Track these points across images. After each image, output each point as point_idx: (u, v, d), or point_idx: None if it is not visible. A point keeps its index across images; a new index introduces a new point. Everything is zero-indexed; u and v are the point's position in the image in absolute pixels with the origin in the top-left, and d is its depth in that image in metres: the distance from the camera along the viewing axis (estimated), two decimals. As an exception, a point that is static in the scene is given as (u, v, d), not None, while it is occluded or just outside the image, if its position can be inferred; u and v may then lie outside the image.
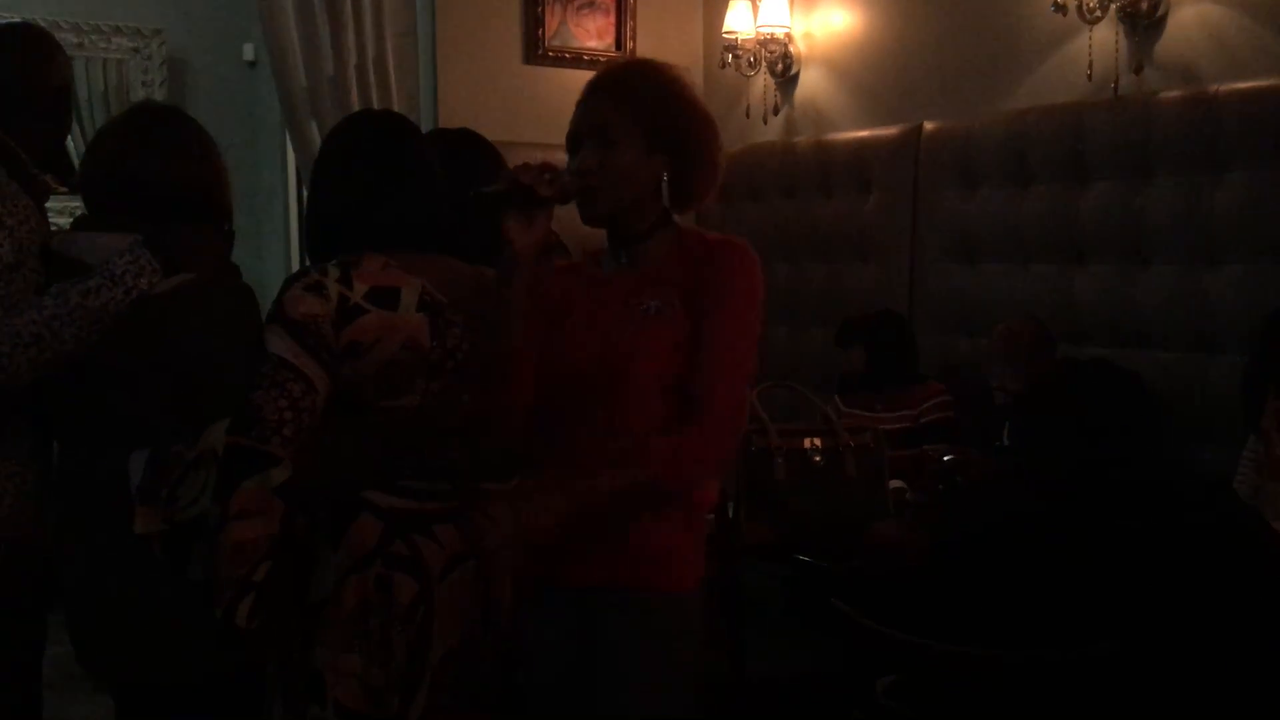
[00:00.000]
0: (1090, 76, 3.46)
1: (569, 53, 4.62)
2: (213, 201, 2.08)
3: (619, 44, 4.69)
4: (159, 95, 5.07)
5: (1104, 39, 3.43)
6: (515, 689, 1.96)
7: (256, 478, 1.70)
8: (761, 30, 4.48)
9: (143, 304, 1.90)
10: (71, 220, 2.13)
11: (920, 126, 3.97)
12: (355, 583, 1.81)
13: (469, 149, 2.47)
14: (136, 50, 5.17)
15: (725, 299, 1.77)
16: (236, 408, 1.73)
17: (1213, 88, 3.15)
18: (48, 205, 2.15)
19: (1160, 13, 3.34)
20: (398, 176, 1.92)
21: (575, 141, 1.81)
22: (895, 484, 3.03)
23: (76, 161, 2.17)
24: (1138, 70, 3.38)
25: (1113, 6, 3.38)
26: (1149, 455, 1.95)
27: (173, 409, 1.87)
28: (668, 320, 1.76)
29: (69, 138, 2.32)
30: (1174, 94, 3.25)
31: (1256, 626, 1.79)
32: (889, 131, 4.10)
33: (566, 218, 1.87)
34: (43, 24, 2.54)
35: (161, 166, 2.01)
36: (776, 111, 4.64)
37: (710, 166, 1.83)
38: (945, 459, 2.97)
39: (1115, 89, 3.42)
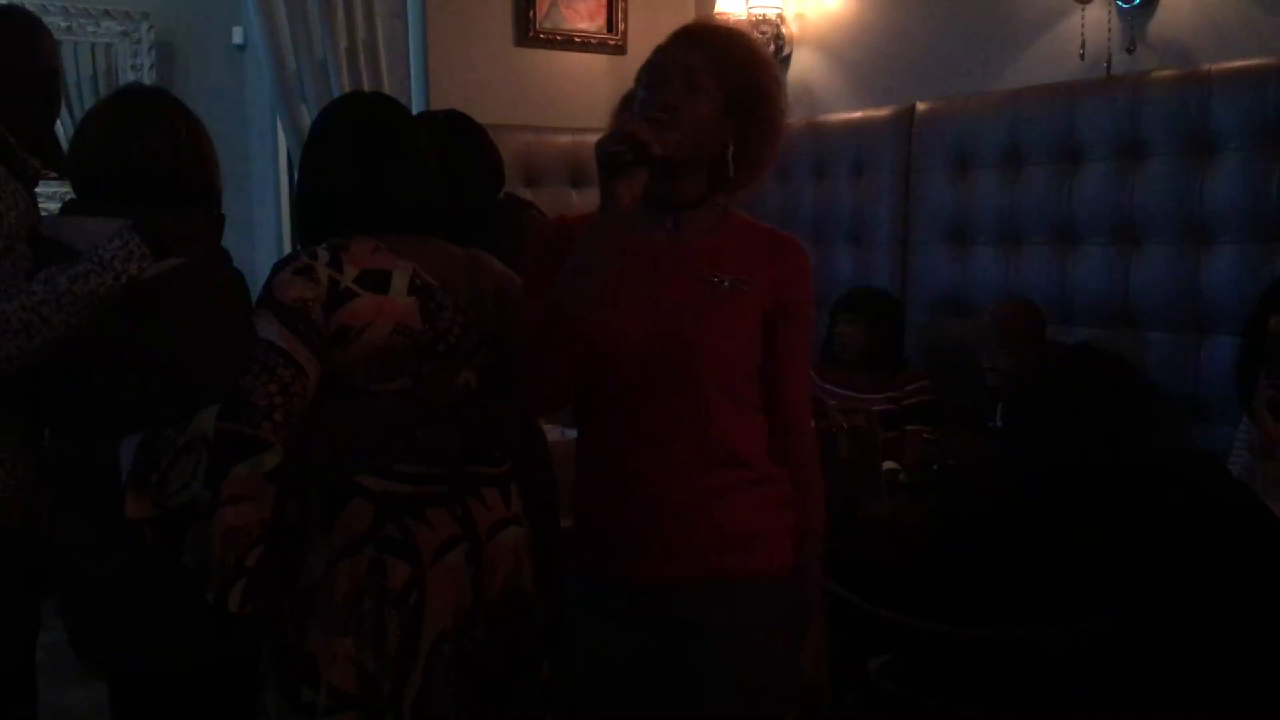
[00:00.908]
0: (1083, 56, 3.45)
1: (560, 35, 4.60)
2: (202, 185, 2.06)
3: (610, 26, 4.67)
4: (148, 79, 5.03)
5: (1096, 18, 3.42)
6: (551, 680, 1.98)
7: (248, 463, 1.70)
8: (753, 11, 4.47)
9: (132, 289, 1.89)
10: (60, 205, 2.12)
11: (913, 107, 3.96)
12: (347, 567, 1.81)
13: (457, 130, 2.46)
14: (125, 34, 5.13)
15: (806, 317, 1.80)
16: (227, 393, 1.73)
17: (1205, 67, 3.14)
18: (37, 190, 2.13)
19: (1153, -9, 3.34)
20: (387, 159, 1.91)
21: (654, 75, 1.70)
22: (888, 465, 3.04)
23: (66, 145, 2.16)
24: (1130, 49, 3.37)
25: (1105, -15, 3.38)
26: (1142, 438, 1.96)
27: (163, 395, 1.86)
28: (748, 299, 1.71)
29: (58, 121, 2.30)
30: (1166, 73, 3.24)
31: (1251, 600, 1.79)
32: (882, 113, 4.09)
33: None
34: (30, 7, 2.52)
35: (150, 150, 1.99)
36: (769, 93, 4.62)
37: (770, 150, 1.76)
38: (930, 439, 2.98)
39: (1108, 68, 3.41)
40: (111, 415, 1.87)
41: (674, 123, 1.63)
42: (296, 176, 2.01)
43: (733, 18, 4.48)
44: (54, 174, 2.20)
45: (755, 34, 4.49)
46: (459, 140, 2.43)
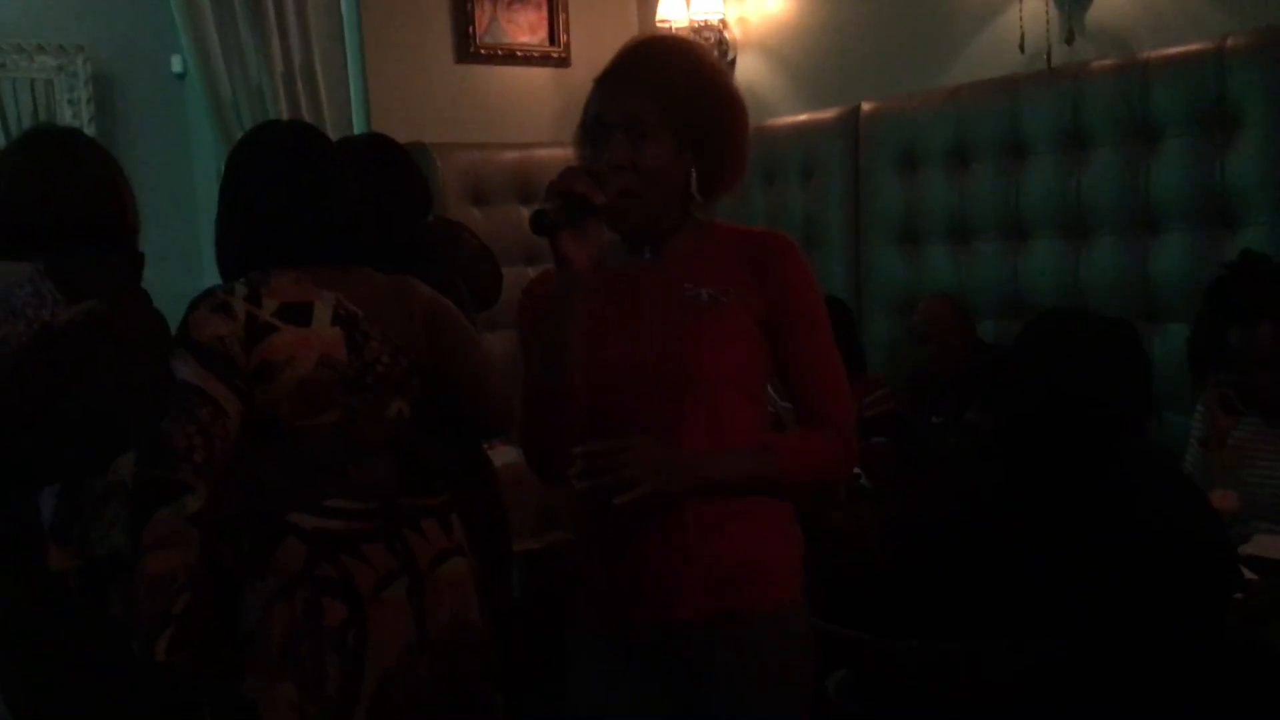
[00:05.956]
0: (1023, 48, 3.44)
1: (501, 49, 4.56)
2: (117, 226, 2.01)
3: (552, 38, 4.64)
4: (86, 113, 4.96)
5: (1034, 10, 3.42)
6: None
7: (170, 508, 1.64)
8: (695, 18, 4.44)
9: (46, 335, 1.84)
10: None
11: (858, 108, 3.94)
12: (282, 609, 1.76)
13: (379, 155, 2.41)
14: (61, 68, 5.05)
15: (808, 317, 1.67)
16: (145, 437, 1.67)
17: (1143, 55, 3.13)
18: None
19: (1089, -19, 3.34)
20: (306, 189, 1.86)
21: (598, 130, 1.61)
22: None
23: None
24: (1069, 40, 3.37)
25: (1041, -23, 3.38)
26: (1142, 404, 1.89)
27: (83, 442, 1.81)
28: (724, 310, 1.62)
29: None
30: (1106, 63, 3.23)
31: (1200, 631, 1.74)
32: (828, 115, 4.06)
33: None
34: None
35: (60, 192, 1.94)
36: (715, 99, 4.60)
37: (737, 160, 1.69)
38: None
39: (1048, 60, 3.41)
40: (29, 465, 1.82)
41: (623, 174, 1.57)
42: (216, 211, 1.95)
43: (674, 25, 4.45)
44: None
45: (699, 39, 4.48)
46: (382, 165, 2.38)
